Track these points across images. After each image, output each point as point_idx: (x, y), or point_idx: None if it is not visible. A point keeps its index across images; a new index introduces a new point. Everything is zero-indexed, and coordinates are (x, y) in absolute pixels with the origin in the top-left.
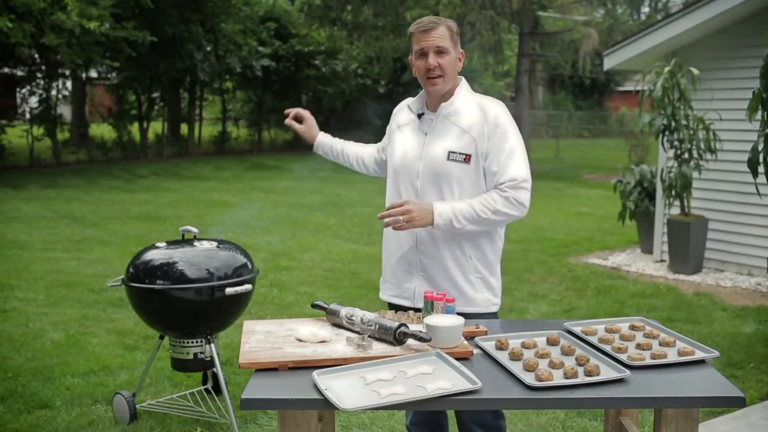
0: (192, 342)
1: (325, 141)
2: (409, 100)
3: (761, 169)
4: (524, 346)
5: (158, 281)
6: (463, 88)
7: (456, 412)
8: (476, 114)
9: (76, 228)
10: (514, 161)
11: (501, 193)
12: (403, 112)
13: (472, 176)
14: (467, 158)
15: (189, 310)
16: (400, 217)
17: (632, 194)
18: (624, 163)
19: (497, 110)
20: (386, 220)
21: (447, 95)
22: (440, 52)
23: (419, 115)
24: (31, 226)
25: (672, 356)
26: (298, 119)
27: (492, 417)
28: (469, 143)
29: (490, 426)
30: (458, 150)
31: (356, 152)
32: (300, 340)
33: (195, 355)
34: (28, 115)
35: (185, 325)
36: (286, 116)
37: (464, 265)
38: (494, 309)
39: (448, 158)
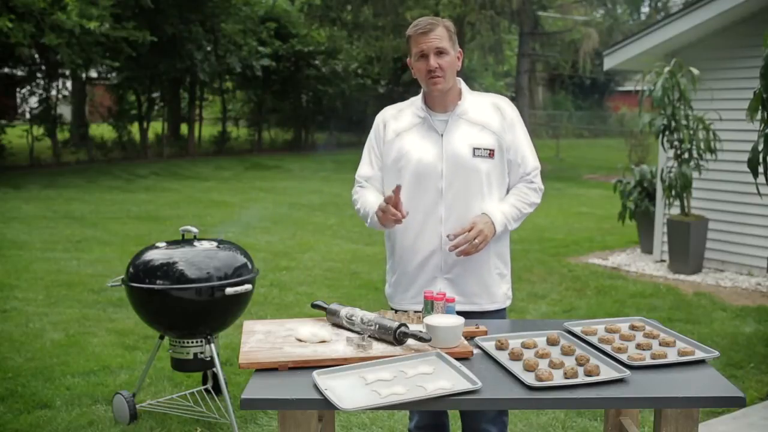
0: (192, 342)
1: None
2: (393, 108)
3: (761, 169)
4: (524, 346)
5: (158, 281)
6: (465, 88)
7: (460, 412)
8: (490, 110)
9: (76, 228)
10: (531, 151)
11: (529, 185)
12: (400, 119)
13: (496, 170)
14: (491, 153)
15: (189, 310)
16: (475, 241)
17: (632, 194)
18: (624, 163)
19: (508, 105)
20: (462, 248)
21: (455, 95)
22: (440, 52)
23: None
24: (31, 226)
25: (672, 356)
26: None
27: (496, 412)
28: (490, 138)
29: (494, 421)
30: (482, 146)
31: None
32: (300, 340)
33: (195, 355)
34: (28, 115)
35: (185, 325)
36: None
37: (486, 261)
38: (508, 303)
39: (474, 155)
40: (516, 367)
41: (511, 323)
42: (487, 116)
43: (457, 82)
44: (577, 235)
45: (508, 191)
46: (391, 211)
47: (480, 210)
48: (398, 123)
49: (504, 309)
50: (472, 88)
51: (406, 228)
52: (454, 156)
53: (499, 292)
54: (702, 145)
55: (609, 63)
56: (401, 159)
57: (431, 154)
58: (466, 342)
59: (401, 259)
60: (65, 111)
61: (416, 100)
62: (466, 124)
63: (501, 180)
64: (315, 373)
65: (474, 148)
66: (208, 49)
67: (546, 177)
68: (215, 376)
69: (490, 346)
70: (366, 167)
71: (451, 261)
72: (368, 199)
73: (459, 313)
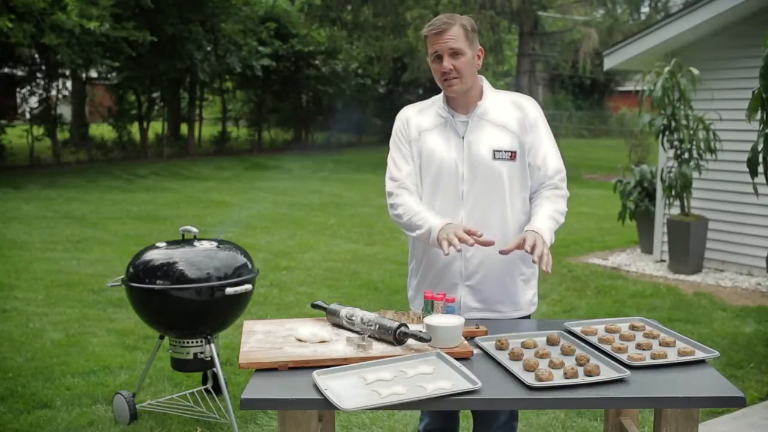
0: (192, 342)
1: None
2: (414, 107)
3: (761, 169)
4: (524, 346)
5: (158, 281)
6: (487, 87)
7: (473, 418)
8: (512, 111)
9: (76, 228)
10: (554, 154)
11: (558, 192)
12: (425, 116)
13: (518, 172)
14: (513, 155)
15: (189, 310)
16: (545, 251)
17: (632, 194)
18: (624, 163)
19: (531, 104)
20: (546, 261)
21: (476, 95)
22: (455, 53)
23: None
24: (31, 226)
25: (672, 356)
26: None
27: (508, 417)
28: (511, 140)
29: (505, 426)
30: (503, 148)
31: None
32: (300, 340)
33: (195, 355)
34: (28, 115)
35: (185, 325)
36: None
37: (510, 266)
38: (533, 309)
39: (494, 157)
40: (516, 367)
41: (511, 323)
42: (508, 116)
43: (479, 81)
44: (577, 235)
45: (530, 195)
46: (465, 237)
47: (501, 214)
48: (421, 121)
49: (528, 316)
50: None
51: None
52: (476, 159)
53: (524, 299)
54: (702, 145)
55: (609, 63)
56: (422, 160)
57: (452, 156)
58: (466, 342)
59: (422, 264)
60: (65, 111)
61: (438, 100)
62: (487, 125)
63: (523, 183)
64: (315, 373)
65: (495, 151)
66: (208, 49)
67: None
68: (215, 376)
69: (490, 346)
70: (402, 165)
71: (472, 267)
72: (416, 208)
73: (481, 321)
